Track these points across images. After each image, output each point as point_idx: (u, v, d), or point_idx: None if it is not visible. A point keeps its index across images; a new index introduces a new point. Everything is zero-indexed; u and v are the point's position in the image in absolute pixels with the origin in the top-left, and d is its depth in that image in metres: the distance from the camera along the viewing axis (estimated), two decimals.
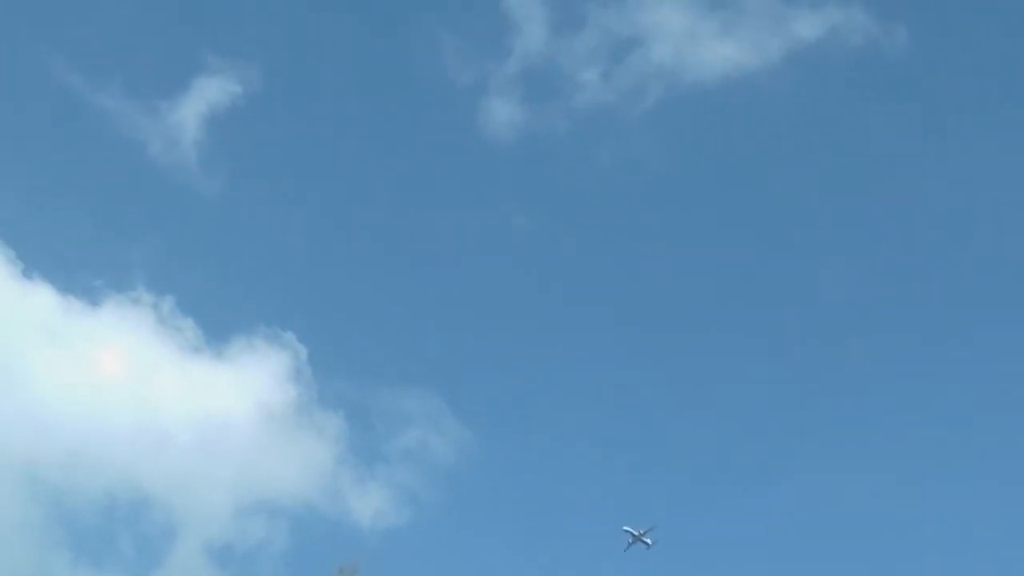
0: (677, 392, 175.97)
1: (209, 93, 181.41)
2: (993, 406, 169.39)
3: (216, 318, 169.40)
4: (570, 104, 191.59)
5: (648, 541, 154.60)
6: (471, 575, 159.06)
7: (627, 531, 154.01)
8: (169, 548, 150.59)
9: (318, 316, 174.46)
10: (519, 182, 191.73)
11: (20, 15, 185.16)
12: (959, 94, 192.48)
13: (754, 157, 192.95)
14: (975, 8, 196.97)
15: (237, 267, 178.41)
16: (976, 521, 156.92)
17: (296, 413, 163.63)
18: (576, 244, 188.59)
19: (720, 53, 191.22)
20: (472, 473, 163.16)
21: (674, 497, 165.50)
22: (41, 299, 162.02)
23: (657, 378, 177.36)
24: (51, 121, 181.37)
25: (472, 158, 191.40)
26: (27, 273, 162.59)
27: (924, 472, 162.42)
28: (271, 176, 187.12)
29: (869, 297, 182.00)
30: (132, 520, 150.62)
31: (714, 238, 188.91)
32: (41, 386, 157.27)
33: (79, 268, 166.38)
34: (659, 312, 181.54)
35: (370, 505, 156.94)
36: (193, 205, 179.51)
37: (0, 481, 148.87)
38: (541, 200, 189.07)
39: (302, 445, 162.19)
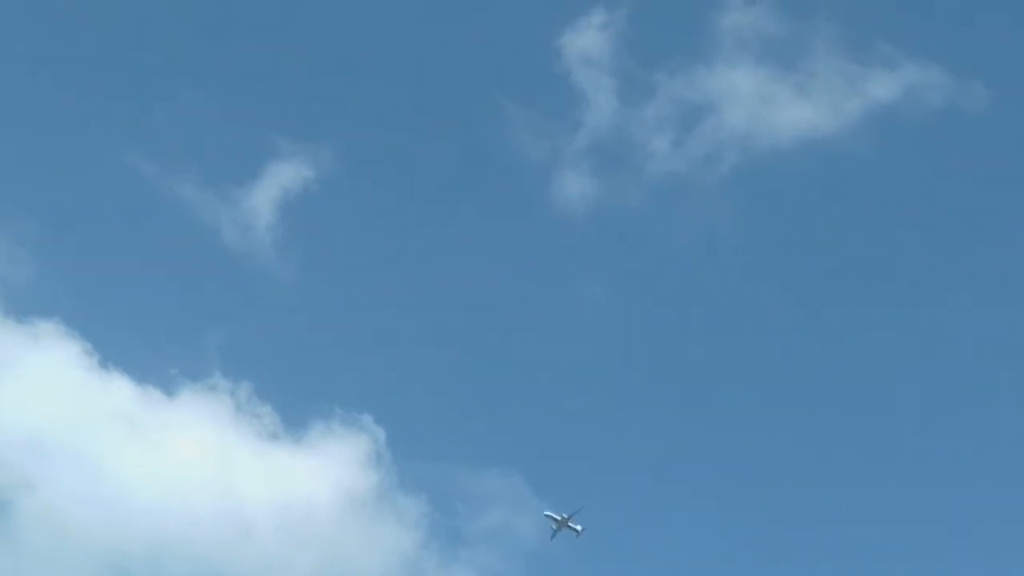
0: (762, 465, 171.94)
1: (282, 178, 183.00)
2: None
3: (293, 403, 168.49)
4: (642, 174, 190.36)
5: (577, 527, 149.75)
6: None
7: (549, 516, 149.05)
8: None
9: (395, 398, 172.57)
10: (593, 254, 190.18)
11: (95, 109, 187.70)
12: None
13: (834, 222, 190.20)
14: None
15: (312, 351, 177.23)
16: None
17: (377, 498, 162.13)
18: (653, 316, 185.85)
19: (795, 116, 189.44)
20: (555, 553, 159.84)
21: None
22: (119, 391, 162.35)
23: (739, 449, 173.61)
24: (127, 212, 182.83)
25: (545, 232, 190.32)
26: (104, 365, 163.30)
27: None
28: (345, 258, 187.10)
29: (969, 360, 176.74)
30: None
31: (795, 309, 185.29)
32: (121, 477, 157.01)
33: (156, 358, 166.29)
34: (740, 385, 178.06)
35: None
36: (268, 290, 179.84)
37: (84, 573, 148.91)
38: (616, 272, 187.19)
39: (384, 530, 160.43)
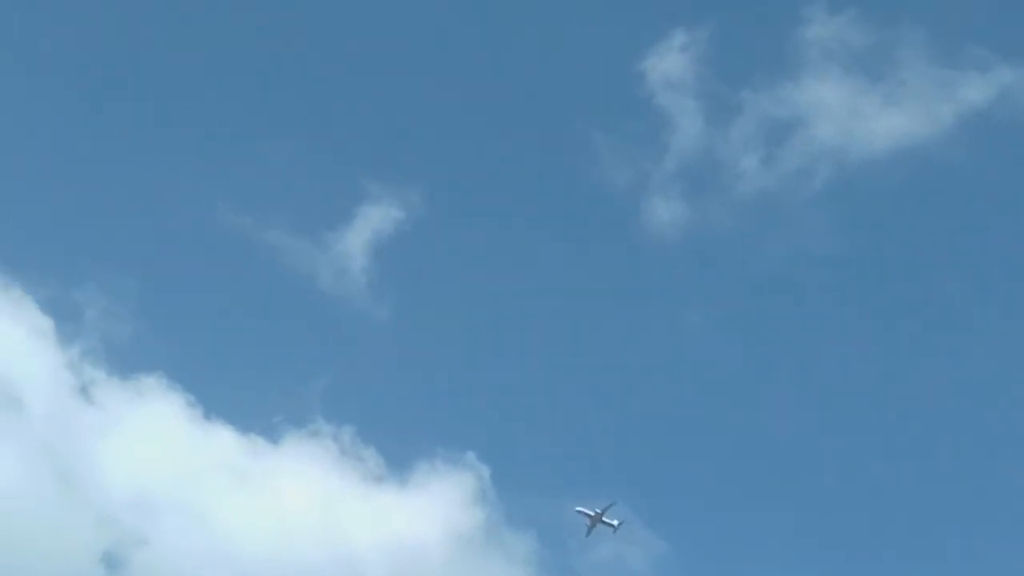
0: (868, 484, 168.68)
1: (373, 220, 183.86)
2: None
3: (396, 444, 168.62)
4: (732, 195, 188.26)
5: (613, 522, 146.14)
6: None
7: (581, 512, 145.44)
8: None
9: (496, 433, 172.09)
10: (688, 279, 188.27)
11: (185, 164, 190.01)
12: None
13: (933, 231, 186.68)
14: None
15: (412, 391, 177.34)
16: None
17: (485, 535, 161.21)
18: (752, 338, 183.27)
19: (886, 126, 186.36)
20: None
21: None
22: (223, 441, 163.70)
23: (848, 471, 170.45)
24: (222, 264, 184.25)
25: (638, 260, 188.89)
26: (208, 416, 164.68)
27: None
28: (439, 296, 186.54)
29: None
30: None
31: (897, 323, 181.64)
32: (230, 527, 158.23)
33: (258, 406, 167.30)
34: (847, 404, 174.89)
35: None
36: (365, 332, 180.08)
37: None
38: (713, 297, 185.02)
39: (493, 567, 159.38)
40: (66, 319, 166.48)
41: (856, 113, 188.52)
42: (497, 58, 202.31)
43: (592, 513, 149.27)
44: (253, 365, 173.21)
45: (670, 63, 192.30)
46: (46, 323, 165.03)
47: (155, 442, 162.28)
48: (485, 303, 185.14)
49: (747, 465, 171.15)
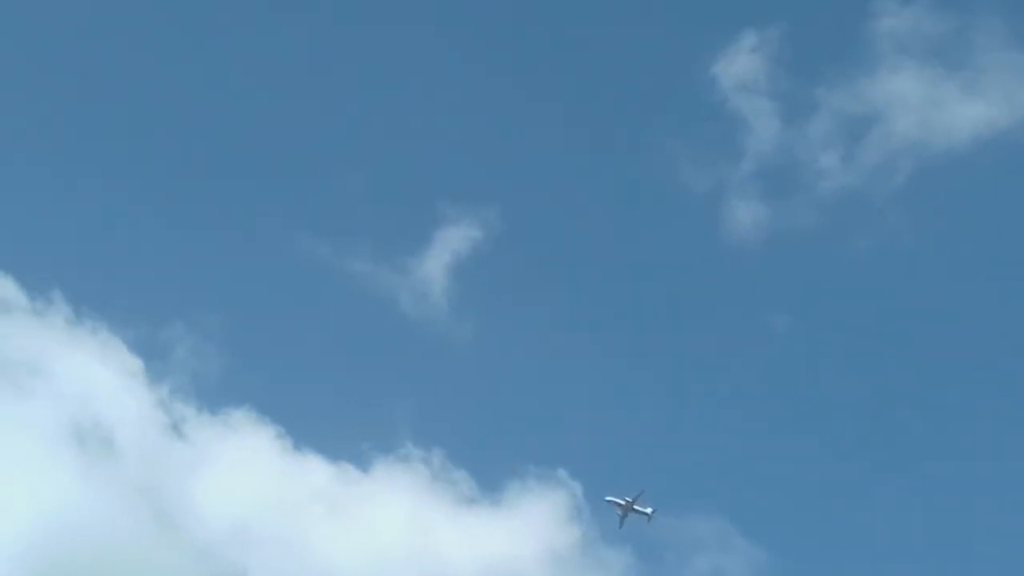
0: (975, 481, 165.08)
1: (451, 242, 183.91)
2: None
3: (487, 465, 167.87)
4: (813, 194, 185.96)
5: (646, 511, 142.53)
6: None
7: (612, 502, 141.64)
8: None
9: (587, 449, 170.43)
10: (773, 281, 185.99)
11: (262, 199, 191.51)
12: None
13: (1018, 220, 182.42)
14: None
15: (500, 411, 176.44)
16: None
17: (581, 553, 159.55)
18: (840, 338, 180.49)
19: (967, 115, 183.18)
20: None
21: None
22: (314, 471, 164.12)
23: (950, 468, 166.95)
24: (304, 294, 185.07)
25: (721, 264, 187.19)
26: (298, 447, 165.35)
27: None
28: (521, 313, 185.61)
29: None
30: None
31: (990, 316, 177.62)
32: (325, 554, 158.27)
33: (347, 434, 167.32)
34: (946, 401, 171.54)
35: None
36: (449, 354, 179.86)
37: None
38: (799, 296, 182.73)
39: None
40: (154, 358, 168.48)
41: (935, 104, 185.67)
42: (567, 71, 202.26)
43: (623, 502, 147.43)
44: (340, 393, 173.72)
45: (742, 65, 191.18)
46: (135, 363, 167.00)
47: (247, 475, 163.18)
48: (568, 317, 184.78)
49: (844, 468, 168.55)
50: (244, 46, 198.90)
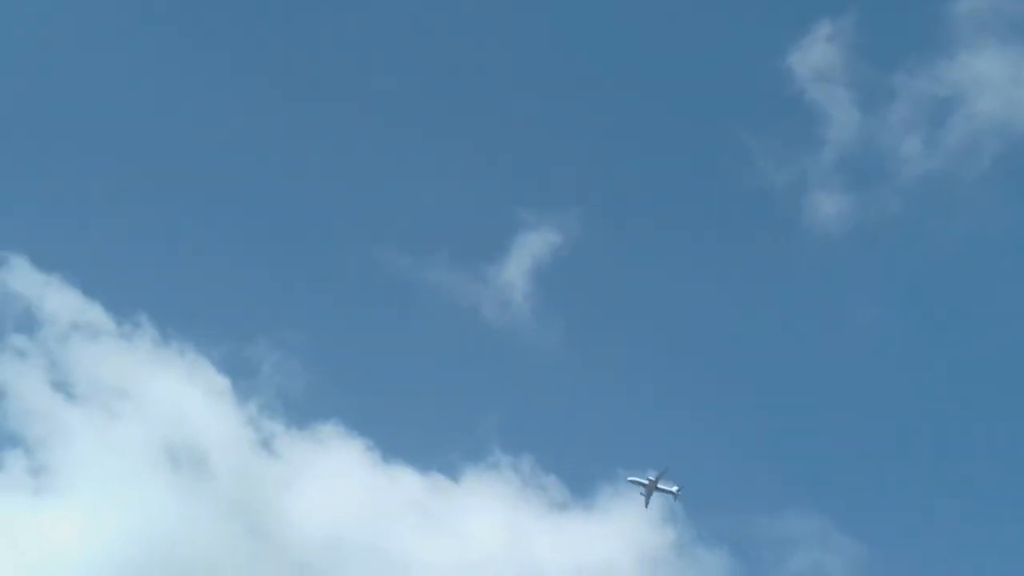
0: None
1: (531, 247, 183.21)
2: None
3: (577, 470, 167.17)
4: (897, 181, 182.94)
5: (672, 489, 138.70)
6: None
7: (634, 481, 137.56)
8: None
9: (678, 450, 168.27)
10: (860, 272, 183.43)
11: (340, 211, 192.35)
12: None
13: None
14: None
15: (587, 414, 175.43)
16: None
17: (677, 555, 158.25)
18: (931, 328, 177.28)
19: None
20: None
21: None
22: (404, 482, 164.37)
23: None
24: (385, 305, 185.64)
25: (806, 257, 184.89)
26: (387, 459, 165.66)
27: None
28: (605, 316, 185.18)
29: None
30: None
31: None
32: (420, 564, 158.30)
33: (435, 444, 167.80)
34: None
35: None
36: (534, 360, 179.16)
37: None
38: (888, 289, 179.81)
39: None
40: (241, 376, 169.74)
41: (1018, 83, 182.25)
42: (639, 70, 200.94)
43: (646, 481, 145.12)
44: (426, 404, 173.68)
45: (817, 55, 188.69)
46: (222, 382, 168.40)
47: (339, 489, 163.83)
48: (653, 317, 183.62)
49: (941, 461, 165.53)
50: (309, 65, 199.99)
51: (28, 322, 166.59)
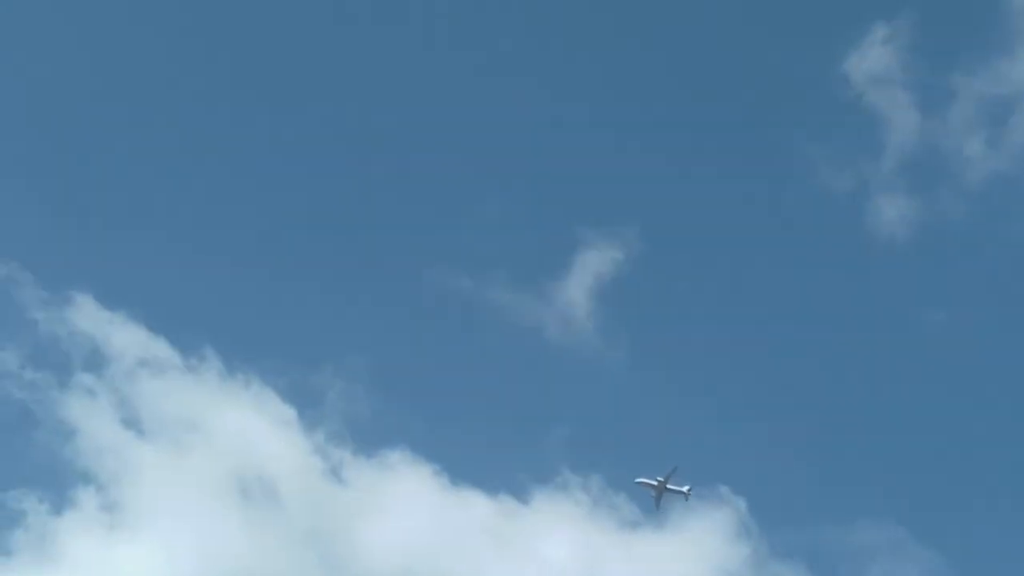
0: None
1: (592, 265, 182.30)
2: None
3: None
4: (962, 183, 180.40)
5: (682, 489, 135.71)
6: None
7: (643, 483, 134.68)
8: None
9: (747, 463, 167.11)
10: (925, 277, 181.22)
11: (399, 234, 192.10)
12: None
13: None
14: None
15: (655, 431, 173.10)
16: None
17: (752, 570, 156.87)
18: (1000, 333, 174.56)
19: None
20: None
21: None
22: (474, 505, 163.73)
23: None
24: (448, 328, 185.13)
25: (870, 263, 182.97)
26: (455, 483, 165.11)
27: None
28: (668, 331, 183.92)
29: None
30: None
31: None
32: None
33: (503, 466, 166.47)
34: None
35: None
36: (599, 377, 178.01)
37: None
38: (953, 291, 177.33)
39: None
40: (307, 405, 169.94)
41: None
42: (695, 83, 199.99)
43: (655, 482, 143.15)
44: (492, 425, 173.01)
45: (874, 59, 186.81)
46: (288, 412, 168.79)
47: (409, 515, 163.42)
48: (717, 331, 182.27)
49: (1010, 466, 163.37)
50: (366, 89, 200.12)
51: (96, 360, 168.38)
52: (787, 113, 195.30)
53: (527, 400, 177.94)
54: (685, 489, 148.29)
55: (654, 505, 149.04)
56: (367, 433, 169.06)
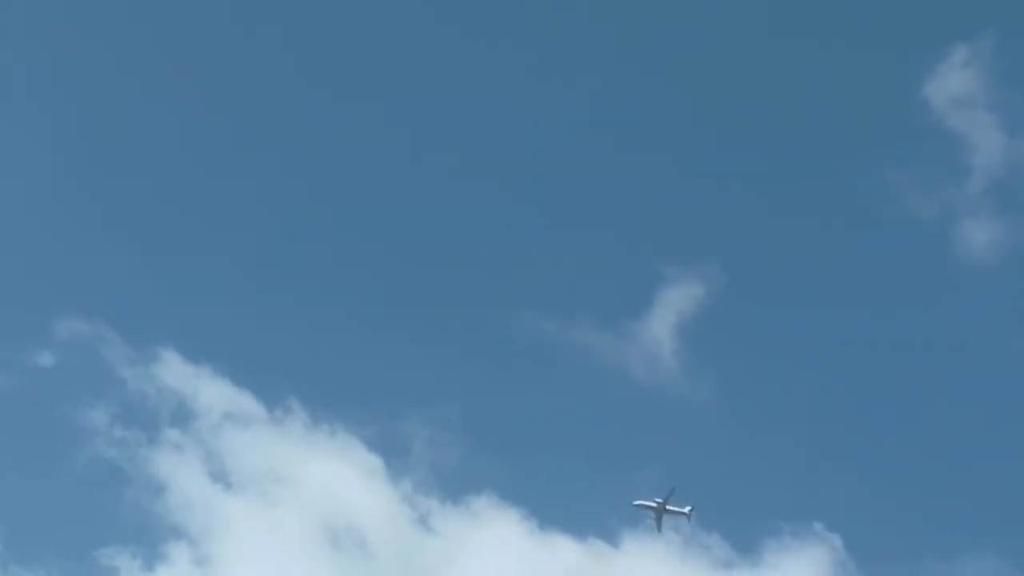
0: None
1: (675, 302, 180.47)
2: None
3: (739, 526, 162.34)
4: None
5: (683, 510, 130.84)
6: None
7: (641, 505, 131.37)
8: None
9: (840, 499, 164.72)
10: (1015, 302, 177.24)
11: (481, 280, 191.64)
12: None
13: None
14: None
15: (745, 469, 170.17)
16: None
17: None
18: None
19: None
20: None
21: None
22: (563, 550, 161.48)
23: None
24: (533, 372, 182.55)
25: (958, 290, 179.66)
26: (543, 527, 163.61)
27: None
28: (756, 365, 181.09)
29: None
30: None
31: None
32: None
33: (591, 509, 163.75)
34: None
35: None
36: (687, 415, 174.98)
37: None
38: None
39: None
40: (393, 454, 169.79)
41: None
42: (772, 110, 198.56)
43: (654, 504, 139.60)
44: (579, 468, 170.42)
45: (955, 81, 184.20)
46: (375, 461, 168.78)
47: (497, 560, 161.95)
48: (805, 366, 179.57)
49: None
50: (443, 135, 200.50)
51: (183, 415, 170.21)
52: (868, 140, 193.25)
53: (614, 441, 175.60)
54: (686, 510, 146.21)
55: (656, 527, 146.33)
56: (453, 480, 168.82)
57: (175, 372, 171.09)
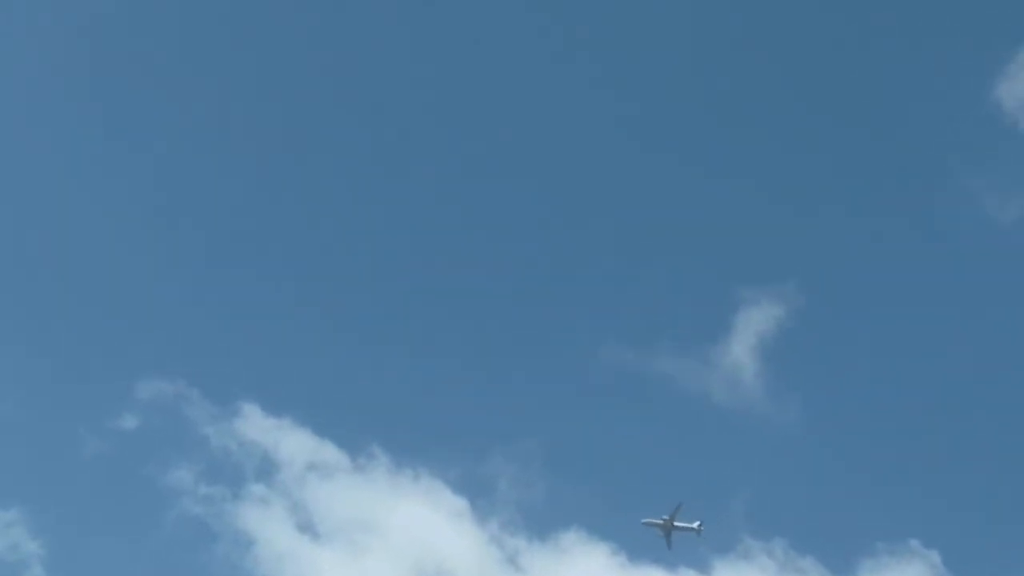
0: None
1: (755, 324, 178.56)
2: None
3: (834, 547, 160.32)
4: None
5: (692, 525, 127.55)
6: None
7: (648, 523, 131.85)
8: None
9: (936, 514, 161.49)
10: None
11: (561, 315, 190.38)
12: None
13: None
14: None
15: (836, 489, 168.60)
16: None
17: None
18: None
19: None
20: None
21: None
22: None
23: None
24: (616, 403, 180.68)
25: None
26: (632, 560, 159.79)
27: None
28: (841, 384, 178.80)
29: None
30: None
31: None
32: None
33: (681, 540, 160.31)
34: None
35: None
36: (773, 438, 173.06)
37: None
38: None
39: None
40: (479, 494, 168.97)
41: None
42: (844, 122, 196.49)
43: (661, 521, 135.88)
44: (666, 498, 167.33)
45: None
46: (461, 503, 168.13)
47: None
48: (889, 379, 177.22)
49: None
50: (515, 174, 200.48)
51: (266, 468, 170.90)
52: (943, 146, 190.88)
53: (700, 468, 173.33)
54: (695, 525, 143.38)
55: (666, 544, 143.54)
56: (540, 517, 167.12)
57: (256, 425, 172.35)
